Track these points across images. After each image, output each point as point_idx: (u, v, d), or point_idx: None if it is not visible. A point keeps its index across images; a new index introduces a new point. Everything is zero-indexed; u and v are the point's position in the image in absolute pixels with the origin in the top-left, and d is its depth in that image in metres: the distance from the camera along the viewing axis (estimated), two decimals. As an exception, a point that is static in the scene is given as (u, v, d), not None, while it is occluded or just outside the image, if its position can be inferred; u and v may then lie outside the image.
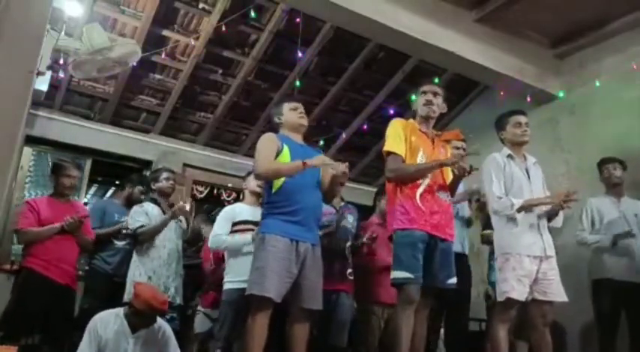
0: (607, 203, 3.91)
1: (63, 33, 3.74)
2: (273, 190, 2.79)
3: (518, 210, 2.86)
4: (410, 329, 2.66)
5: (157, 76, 5.14)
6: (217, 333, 3.34)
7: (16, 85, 2.33)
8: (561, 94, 5.12)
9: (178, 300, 3.52)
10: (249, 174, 3.62)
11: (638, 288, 3.65)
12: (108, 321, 2.87)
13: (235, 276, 3.25)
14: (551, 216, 2.96)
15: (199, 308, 4.12)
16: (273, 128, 3.07)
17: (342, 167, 2.77)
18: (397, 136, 2.83)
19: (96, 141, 5.21)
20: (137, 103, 5.31)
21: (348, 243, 3.50)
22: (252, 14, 4.55)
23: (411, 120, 2.98)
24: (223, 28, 4.57)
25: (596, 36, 4.83)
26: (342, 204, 3.64)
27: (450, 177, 2.90)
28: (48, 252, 3.40)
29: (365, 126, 5.84)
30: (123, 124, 5.40)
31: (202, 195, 5.86)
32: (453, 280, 2.81)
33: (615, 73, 4.67)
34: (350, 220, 3.55)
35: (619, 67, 4.64)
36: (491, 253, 3.87)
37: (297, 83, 5.14)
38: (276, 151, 2.80)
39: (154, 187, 3.76)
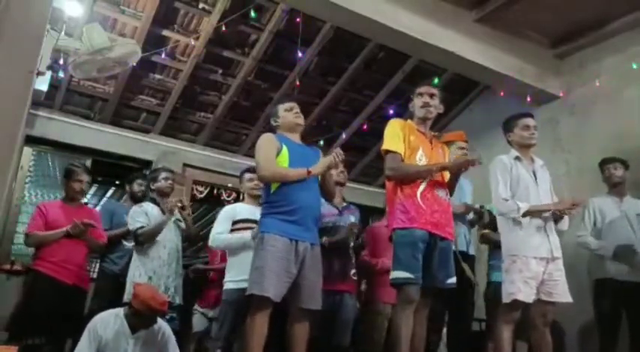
0: (609, 203, 3.91)
1: (63, 33, 3.74)
2: (272, 190, 2.81)
3: (524, 215, 2.86)
4: (409, 329, 2.66)
5: (157, 76, 5.14)
6: (217, 333, 3.34)
7: (16, 84, 2.34)
8: (561, 94, 5.12)
9: (178, 300, 3.52)
10: (243, 173, 3.63)
11: (639, 288, 3.65)
12: (108, 321, 2.87)
13: (235, 276, 3.26)
14: (556, 218, 2.96)
15: (196, 307, 4.13)
16: (272, 127, 3.08)
17: (335, 155, 2.81)
18: (395, 135, 2.84)
19: (96, 141, 5.21)
20: (137, 103, 5.31)
21: (352, 244, 3.51)
22: (252, 14, 4.55)
23: (409, 121, 2.98)
24: (223, 28, 4.57)
25: (596, 36, 4.83)
26: (344, 204, 3.64)
27: (448, 175, 2.91)
28: (55, 254, 3.43)
29: (365, 126, 5.83)
30: (123, 124, 5.40)
31: (202, 195, 5.87)
32: (453, 280, 2.81)
33: (615, 73, 4.66)
34: (351, 220, 3.54)
35: (619, 67, 4.64)
36: (491, 253, 3.88)
37: (297, 83, 5.14)
38: (276, 152, 2.82)
39: (152, 187, 3.75)
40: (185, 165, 5.64)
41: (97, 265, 4.19)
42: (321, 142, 5.57)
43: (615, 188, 3.96)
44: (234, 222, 3.40)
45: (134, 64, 4.14)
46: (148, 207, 3.60)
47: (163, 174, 3.76)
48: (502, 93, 5.15)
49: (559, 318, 3.58)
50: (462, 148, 3.55)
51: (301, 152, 2.90)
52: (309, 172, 2.75)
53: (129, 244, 3.85)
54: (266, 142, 2.86)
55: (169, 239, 3.56)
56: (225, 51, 5.02)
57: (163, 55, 4.81)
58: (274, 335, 2.71)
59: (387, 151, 2.84)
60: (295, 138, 2.98)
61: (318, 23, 4.84)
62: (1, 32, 2.27)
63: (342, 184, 3.60)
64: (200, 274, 4.27)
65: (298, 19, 4.63)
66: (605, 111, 4.70)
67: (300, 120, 3.01)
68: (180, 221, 3.69)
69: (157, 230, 3.45)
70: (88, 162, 5.11)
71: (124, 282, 3.47)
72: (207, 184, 5.86)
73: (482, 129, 5.06)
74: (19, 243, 4.66)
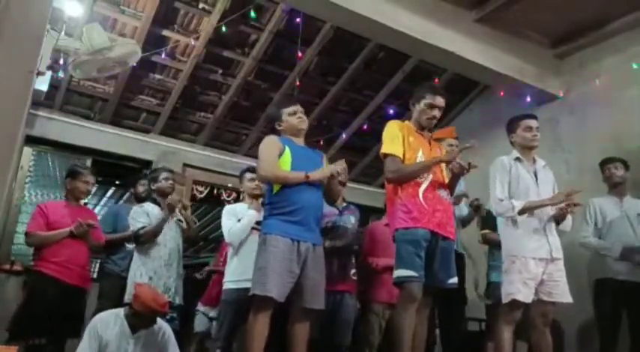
0: (609, 203, 3.91)
1: (63, 33, 3.74)
2: (274, 191, 2.82)
3: (520, 213, 2.87)
4: (412, 328, 2.66)
5: (157, 76, 5.14)
6: (217, 333, 3.34)
7: (16, 84, 2.34)
8: (561, 94, 5.12)
9: (178, 300, 3.51)
10: (243, 173, 3.63)
11: (639, 288, 3.65)
12: (108, 322, 2.88)
13: (235, 276, 3.26)
14: (559, 220, 2.96)
15: (198, 307, 4.14)
16: (274, 128, 3.08)
17: (339, 167, 2.80)
18: (395, 137, 2.84)
19: (96, 141, 5.21)
20: (137, 103, 5.31)
21: (356, 246, 3.53)
22: (252, 14, 4.55)
23: (407, 122, 2.98)
24: (223, 28, 4.57)
25: (596, 36, 4.83)
26: (344, 204, 3.64)
27: (449, 175, 2.91)
28: (57, 254, 3.42)
29: (365, 126, 5.84)
30: (123, 124, 5.40)
31: (202, 195, 5.87)
32: (454, 280, 2.81)
33: (615, 73, 4.66)
34: (352, 221, 3.55)
35: (619, 67, 4.64)
36: (491, 253, 3.88)
37: (297, 83, 5.14)
38: (278, 154, 2.84)
39: (153, 187, 3.75)
40: (185, 165, 5.64)
41: (97, 265, 4.19)
42: (321, 142, 5.58)
43: (615, 188, 3.95)
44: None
45: (134, 64, 4.14)
46: (149, 207, 3.60)
47: (164, 175, 3.75)
48: (502, 93, 5.15)
49: (559, 318, 3.58)
50: (452, 145, 3.54)
51: (304, 154, 2.92)
52: (307, 176, 2.77)
53: (131, 246, 3.85)
54: (269, 144, 2.88)
55: (170, 239, 3.56)
56: (225, 51, 5.02)
57: (163, 55, 4.81)
58: (275, 335, 2.72)
59: (386, 155, 2.84)
60: (299, 141, 3.00)
61: (318, 23, 4.84)
62: (1, 32, 2.28)
63: (343, 184, 3.60)
64: (211, 274, 4.29)
65: (298, 19, 4.63)
66: (605, 111, 4.70)
67: (304, 125, 3.02)
68: (181, 221, 3.69)
69: (158, 229, 3.45)
70: (88, 162, 5.12)
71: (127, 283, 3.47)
72: (207, 184, 5.87)
73: (482, 129, 5.06)
74: (19, 243, 4.66)
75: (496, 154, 3.14)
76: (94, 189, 7.24)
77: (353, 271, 3.49)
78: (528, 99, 5.06)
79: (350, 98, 5.82)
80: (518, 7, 4.49)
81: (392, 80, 5.57)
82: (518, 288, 2.81)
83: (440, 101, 2.90)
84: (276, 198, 2.80)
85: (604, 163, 4.03)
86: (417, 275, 2.63)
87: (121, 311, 2.94)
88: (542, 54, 5.15)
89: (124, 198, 6.79)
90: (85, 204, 4.42)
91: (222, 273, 3.79)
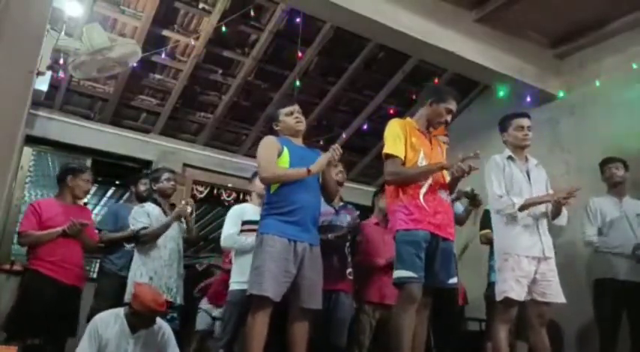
0: (609, 203, 3.91)
1: (63, 33, 3.74)
2: (272, 191, 2.83)
3: (520, 209, 2.87)
4: (411, 328, 2.66)
5: (157, 76, 5.14)
6: (220, 333, 3.34)
7: (16, 84, 2.34)
8: (561, 94, 5.12)
9: (179, 300, 3.52)
10: (254, 175, 3.63)
11: (639, 288, 3.65)
12: (108, 321, 2.88)
13: (240, 277, 3.25)
14: (555, 214, 2.96)
15: (201, 304, 4.13)
16: (273, 129, 3.08)
17: (334, 152, 2.82)
18: (396, 138, 2.83)
19: (96, 141, 5.21)
20: (137, 103, 5.31)
21: (351, 237, 3.51)
22: (252, 14, 4.54)
23: (409, 119, 2.98)
24: (223, 28, 4.57)
25: (596, 36, 4.83)
26: (341, 204, 3.64)
27: (449, 176, 2.91)
28: (52, 253, 3.41)
29: (365, 126, 5.84)
30: (123, 124, 5.40)
31: (202, 195, 5.87)
32: (454, 280, 2.82)
33: (615, 73, 4.66)
34: (348, 220, 3.54)
35: (619, 67, 4.64)
36: (491, 253, 3.88)
37: (297, 83, 5.13)
38: (276, 153, 2.84)
39: (154, 188, 3.75)
40: (185, 165, 5.64)
41: (97, 265, 4.19)
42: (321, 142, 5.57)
43: (615, 188, 3.96)
44: (242, 223, 3.41)
45: (134, 64, 4.14)
46: (150, 207, 3.60)
47: (166, 175, 3.75)
48: (502, 94, 5.15)
49: (558, 318, 3.59)
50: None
51: (302, 154, 2.92)
52: (309, 171, 2.77)
53: (129, 246, 3.85)
54: (267, 144, 2.88)
55: (171, 239, 3.56)
56: (225, 51, 5.02)
57: (163, 55, 4.81)
58: (274, 335, 2.72)
59: (388, 156, 2.84)
60: (297, 141, 3.00)
61: (318, 23, 4.84)
62: (1, 32, 2.28)
63: (340, 184, 3.61)
64: (215, 268, 4.29)
65: (298, 19, 4.63)
66: (605, 111, 4.69)
67: (301, 126, 3.01)
68: (181, 222, 3.69)
69: (160, 231, 3.45)
70: (88, 162, 5.12)
71: (125, 282, 3.47)
72: (207, 184, 5.86)
73: (481, 129, 5.05)
74: (19, 243, 4.65)
75: (495, 154, 3.13)
76: (93, 189, 7.28)
77: (349, 270, 3.48)
78: (528, 99, 5.06)
79: (350, 98, 5.82)
80: (518, 7, 4.49)
81: (392, 80, 5.57)
82: (511, 286, 2.82)
83: (455, 106, 2.97)
84: (274, 198, 2.80)
85: (604, 163, 4.03)
86: (417, 276, 2.64)
87: (121, 311, 2.94)
88: (542, 54, 5.14)
89: (124, 198, 6.78)
90: (86, 204, 4.43)
91: (227, 272, 3.79)
